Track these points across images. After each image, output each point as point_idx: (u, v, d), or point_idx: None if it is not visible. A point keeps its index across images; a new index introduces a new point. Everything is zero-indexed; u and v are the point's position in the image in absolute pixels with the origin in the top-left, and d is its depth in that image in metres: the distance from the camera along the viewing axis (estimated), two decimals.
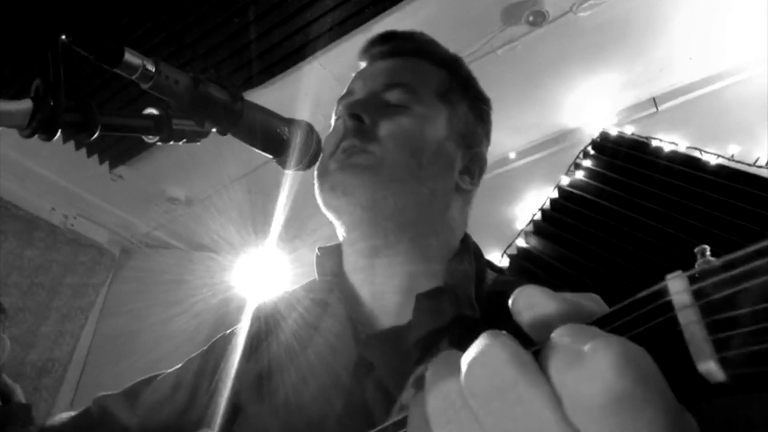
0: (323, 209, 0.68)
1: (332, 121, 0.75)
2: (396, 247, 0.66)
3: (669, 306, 0.21)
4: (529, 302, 0.25)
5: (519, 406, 0.21)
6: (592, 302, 0.26)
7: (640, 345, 0.21)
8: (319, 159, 0.68)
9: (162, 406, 0.71)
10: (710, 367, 0.20)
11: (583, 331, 0.22)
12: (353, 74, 0.78)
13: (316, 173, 0.70)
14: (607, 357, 0.20)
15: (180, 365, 0.75)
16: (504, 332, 0.24)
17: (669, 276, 0.22)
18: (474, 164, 0.74)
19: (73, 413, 0.73)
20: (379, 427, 0.33)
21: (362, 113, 0.66)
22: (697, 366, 0.20)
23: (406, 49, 0.76)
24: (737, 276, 0.20)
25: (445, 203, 0.69)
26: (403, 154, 0.65)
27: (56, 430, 0.72)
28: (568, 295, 0.26)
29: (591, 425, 0.20)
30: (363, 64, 0.79)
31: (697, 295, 0.21)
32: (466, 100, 0.76)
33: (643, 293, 0.23)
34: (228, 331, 0.76)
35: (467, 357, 0.24)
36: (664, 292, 0.22)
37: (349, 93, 0.74)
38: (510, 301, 0.26)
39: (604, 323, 0.23)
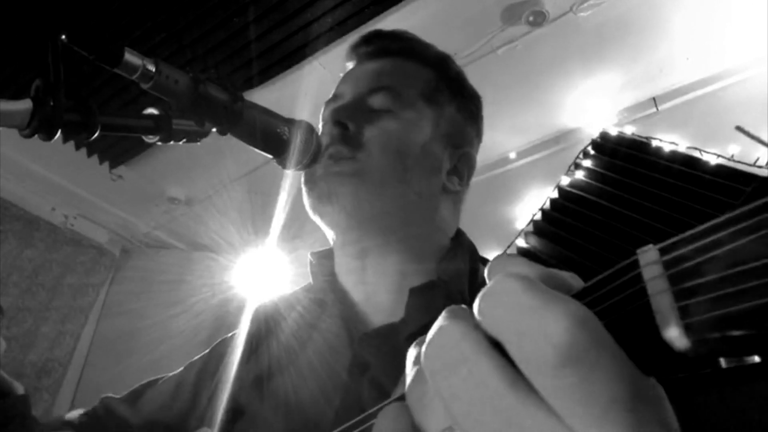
0: (311, 215, 0.69)
1: (320, 125, 0.74)
2: (385, 247, 0.66)
3: (639, 277, 0.22)
4: (505, 269, 0.25)
5: (470, 379, 0.22)
6: (572, 279, 0.26)
7: (611, 317, 0.22)
8: None
9: (163, 409, 0.71)
10: (674, 334, 0.20)
11: (539, 292, 0.22)
12: (341, 74, 0.78)
13: (303, 178, 0.70)
14: (560, 315, 0.20)
15: (181, 369, 0.76)
16: (462, 306, 0.24)
17: (640, 249, 0.22)
18: (462, 164, 0.74)
19: (81, 410, 0.74)
20: (351, 422, 0.33)
21: (346, 120, 0.66)
22: (662, 333, 0.20)
23: (392, 49, 0.75)
24: (706, 245, 0.20)
25: (433, 205, 0.70)
26: (387, 158, 0.65)
27: (66, 423, 0.72)
28: (548, 269, 0.26)
29: (547, 382, 0.20)
30: (350, 65, 0.79)
31: (667, 265, 0.21)
32: (454, 101, 0.75)
33: (616, 266, 0.23)
34: (229, 335, 0.76)
35: (426, 340, 0.25)
36: (635, 265, 0.22)
37: (336, 97, 0.73)
38: (486, 270, 0.26)
39: (579, 297, 0.24)
